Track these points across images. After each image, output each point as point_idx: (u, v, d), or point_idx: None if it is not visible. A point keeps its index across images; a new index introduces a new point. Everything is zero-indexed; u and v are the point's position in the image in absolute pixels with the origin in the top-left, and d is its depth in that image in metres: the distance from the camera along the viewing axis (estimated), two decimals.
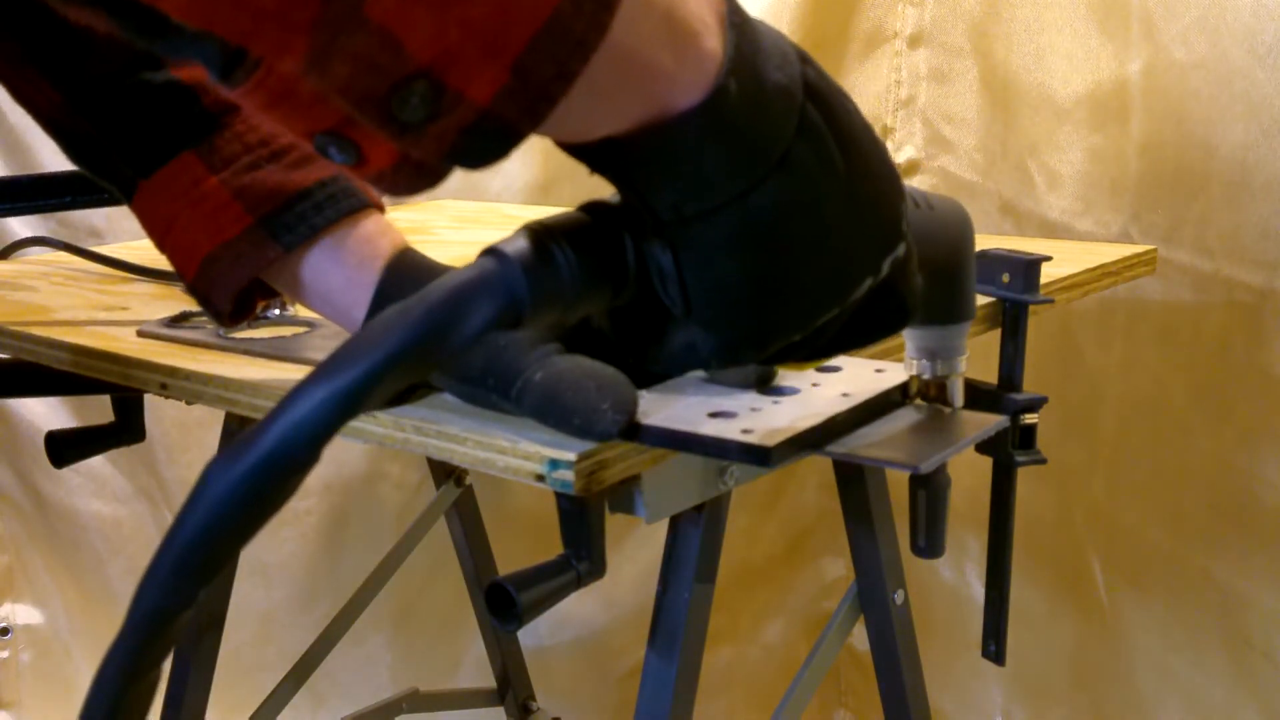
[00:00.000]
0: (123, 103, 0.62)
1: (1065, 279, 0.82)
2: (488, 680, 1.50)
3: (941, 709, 1.50)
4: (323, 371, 0.32)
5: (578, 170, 0.39)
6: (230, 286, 0.62)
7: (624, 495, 0.57)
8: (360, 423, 0.58)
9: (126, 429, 1.02)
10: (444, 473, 1.37)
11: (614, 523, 0.58)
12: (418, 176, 0.34)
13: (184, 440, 1.50)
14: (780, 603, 1.66)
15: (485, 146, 0.33)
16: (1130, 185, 1.19)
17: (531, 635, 1.60)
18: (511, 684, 1.48)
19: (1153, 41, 1.15)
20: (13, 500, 1.58)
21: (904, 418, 0.52)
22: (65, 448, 1.00)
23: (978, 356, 0.57)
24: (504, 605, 0.56)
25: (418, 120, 0.31)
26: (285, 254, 0.61)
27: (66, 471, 1.51)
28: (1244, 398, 1.16)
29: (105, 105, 0.63)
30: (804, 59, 0.38)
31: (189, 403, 0.72)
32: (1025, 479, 0.81)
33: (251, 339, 0.72)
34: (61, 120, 0.64)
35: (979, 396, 0.78)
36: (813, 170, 0.37)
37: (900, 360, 0.54)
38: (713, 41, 0.35)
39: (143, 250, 0.97)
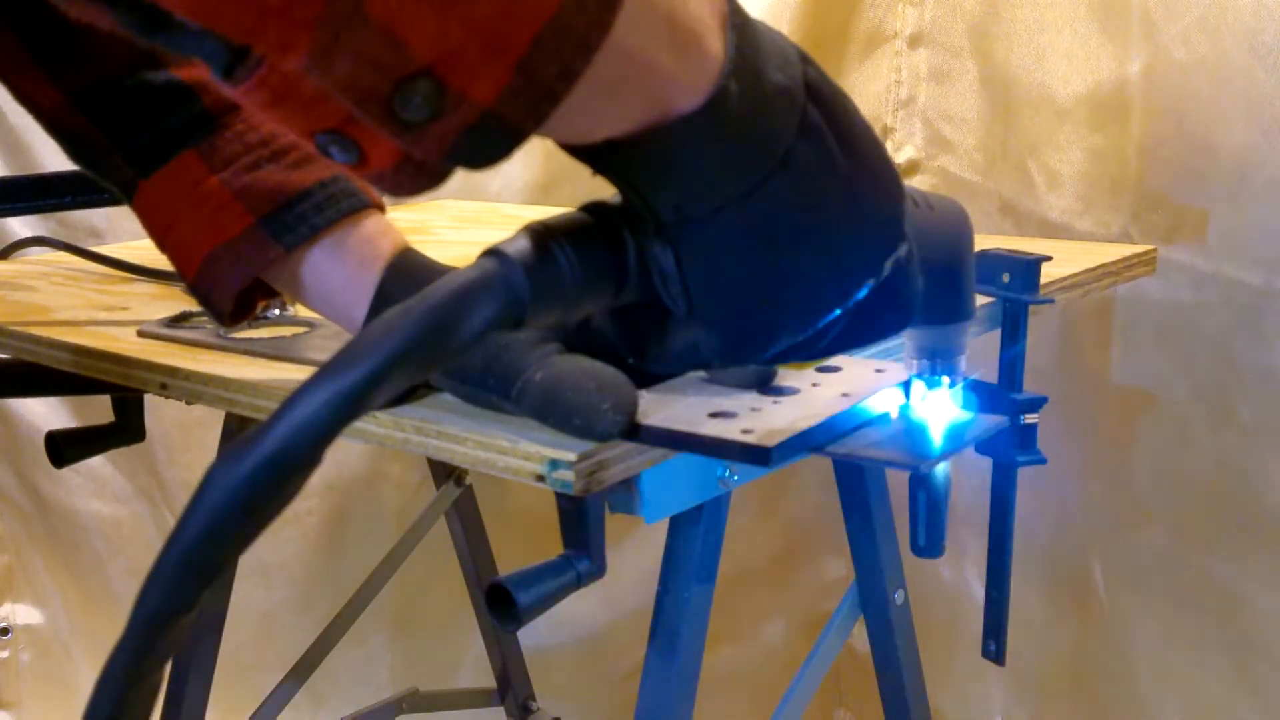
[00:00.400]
0: (123, 102, 0.62)
1: (1065, 279, 0.82)
2: (488, 680, 1.50)
3: (941, 709, 1.50)
4: (324, 373, 0.32)
5: (578, 170, 0.39)
6: (231, 286, 0.62)
7: (624, 495, 0.57)
8: (360, 423, 0.58)
9: (126, 429, 1.02)
10: (444, 473, 1.37)
11: (614, 523, 0.58)
12: (419, 176, 0.34)
13: (184, 440, 1.50)
14: (780, 603, 1.66)
15: (488, 146, 0.33)
16: (1130, 185, 1.19)
17: (531, 635, 1.59)
18: (511, 684, 1.48)
19: (1153, 41, 1.15)
20: (13, 500, 1.58)
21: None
22: (65, 448, 1.00)
23: (977, 357, 0.57)
24: (504, 605, 0.56)
25: (420, 120, 0.31)
26: (286, 254, 0.61)
27: (66, 471, 1.50)
28: (1244, 398, 1.16)
29: (106, 105, 0.63)
30: (805, 60, 0.38)
31: (189, 403, 0.72)
32: (1025, 479, 0.81)
33: (251, 339, 0.72)
34: (63, 120, 0.64)
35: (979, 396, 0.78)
36: (814, 171, 0.37)
37: (900, 360, 0.54)
38: (714, 43, 0.35)
39: (143, 250, 0.97)
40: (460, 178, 0.36)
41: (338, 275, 0.62)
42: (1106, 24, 1.19)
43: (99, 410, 1.03)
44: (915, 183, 1.40)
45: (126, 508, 1.57)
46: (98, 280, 0.98)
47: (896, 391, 0.53)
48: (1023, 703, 1.46)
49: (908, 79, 1.39)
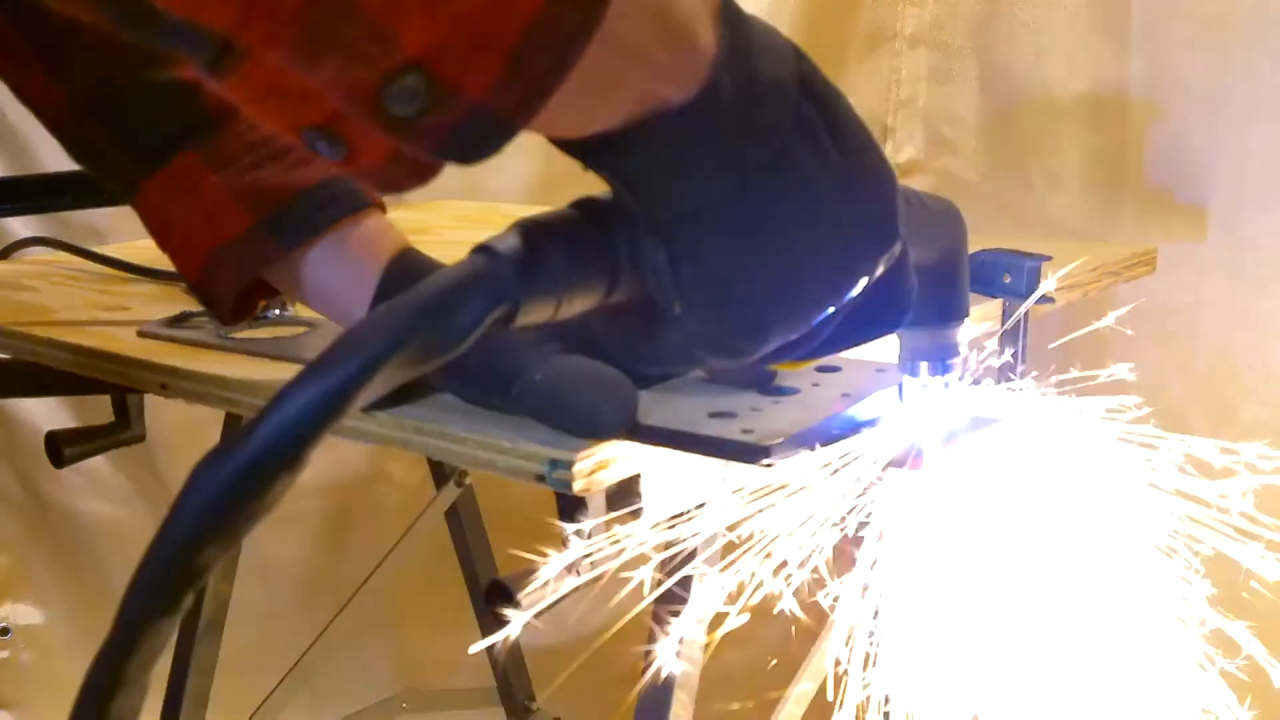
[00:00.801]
0: (125, 102, 0.62)
1: (1065, 279, 0.82)
2: (488, 680, 1.50)
3: None
4: (311, 370, 0.31)
5: (579, 170, 0.39)
6: (232, 286, 0.62)
7: (624, 495, 0.57)
8: (360, 423, 0.58)
9: (126, 429, 1.03)
10: (444, 473, 1.37)
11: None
12: (410, 172, 0.34)
13: (184, 440, 1.50)
14: (780, 602, 1.66)
15: (479, 141, 0.32)
16: (1130, 185, 1.19)
17: (532, 635, 1.59)
18: (511, 684, 1.47)
19: (1153, 41, 1.15)
20: (13, 500, 1.58)
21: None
22: (65, 448, 1.00)
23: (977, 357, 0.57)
24: (503, 604, 0.56)
25: (410, 114, 0.31)
26: (287, 253, 0.61)
27: (66, 471, 1.50)
28: (1244, 398, 1.16)
29: (108, 105, 0.63)
30: (799, 55, 0.37)
31: (189, 402, 0.72)
32: None
33: (252, 339, 0.72)
34: (64, 119, 0.64)
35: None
36: (807, 167, 0.37)
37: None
38: (706, 36, 0.35)
39: (143, 250, 0.97)
40: (461, 177, 0.36)
41: (338, 274, 0.62)
42: (1106, 24, 1.19)
43: (99, 410, 1.03)
44: (915, 183, 1.40)
45: (126, 508, 1.57)
46: (98, 280, 0.98)
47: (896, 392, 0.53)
48: None
49: (908, 79, 1.39)
